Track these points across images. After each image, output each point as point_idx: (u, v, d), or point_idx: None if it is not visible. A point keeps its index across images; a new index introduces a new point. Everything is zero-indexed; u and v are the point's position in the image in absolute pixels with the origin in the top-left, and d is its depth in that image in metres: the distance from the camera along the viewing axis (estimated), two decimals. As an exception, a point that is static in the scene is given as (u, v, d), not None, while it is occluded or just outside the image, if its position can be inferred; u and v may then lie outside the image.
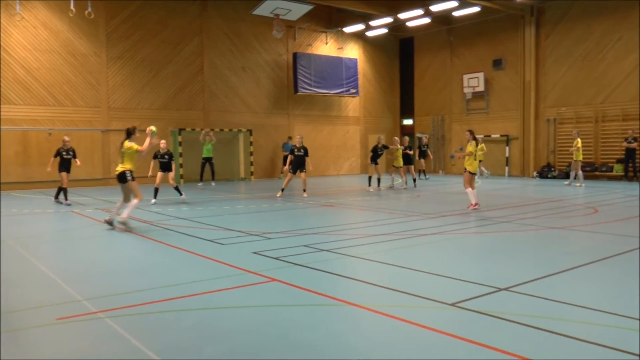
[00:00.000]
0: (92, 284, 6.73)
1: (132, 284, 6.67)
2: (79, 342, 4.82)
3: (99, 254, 8.97)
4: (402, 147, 21.25)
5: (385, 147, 20.96)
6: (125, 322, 5.22)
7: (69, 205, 15.59)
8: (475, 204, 13.65)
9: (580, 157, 20.63)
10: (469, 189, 13.79)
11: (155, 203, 15.85)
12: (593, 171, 23.83)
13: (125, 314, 5.48)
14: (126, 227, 10.75)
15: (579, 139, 20.65)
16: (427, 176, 26.22)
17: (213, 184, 23.25)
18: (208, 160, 23.09)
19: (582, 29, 24.36)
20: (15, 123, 20.84)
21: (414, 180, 21.65)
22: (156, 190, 16.25)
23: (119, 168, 11.08)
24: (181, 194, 16.41)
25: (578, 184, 20.54)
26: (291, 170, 17.40)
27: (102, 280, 6.97)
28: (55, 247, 9.50)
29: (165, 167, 16.38)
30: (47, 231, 11.07)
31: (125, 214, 10.84)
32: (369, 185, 20.60)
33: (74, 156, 16.30)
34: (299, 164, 17.48)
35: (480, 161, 23.67)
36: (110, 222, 10.94)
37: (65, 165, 16.11)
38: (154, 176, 16.36)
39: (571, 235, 9.91)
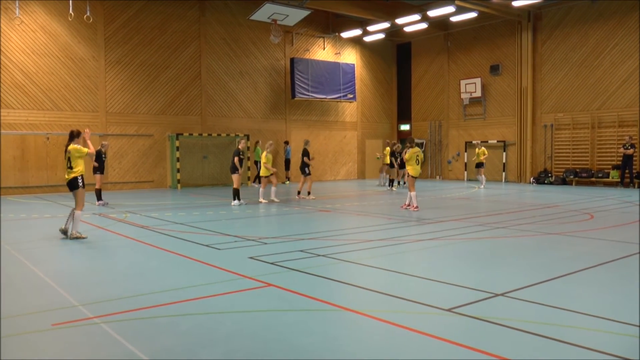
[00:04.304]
0: (88, 289, 6.73)
1: (128, 289, 6.67)
2: (74, 348, 4.82)
3: (95, 259, 8.97)
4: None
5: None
6: (121, 327, 5.23)
7: (104, 205, 16.49)
8: (410, 205, 14.81)
9: None
10: (413, 192, 14.83)
11: (241, 204, 16.69)
12: (589, 177, 23.89)
13: (121, 319, 5.48)
14: (79, 237, 10.49)
15: None
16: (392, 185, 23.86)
17: (256, 185, 24.94)
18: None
19: (579, 35, 24.47)
20: (13, 127, 20.83)
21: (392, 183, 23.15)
22: (238, 192, 16.84)
23: (68, 174, 10.60)
24: (238, 199, 16.88)
25: None
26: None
27: (98, 285, 6.97)
28: (52, 252, 9.49)
29: (241, 166, 16.82)
30: (43, 236, 11.05)
31: (74, 229, 10.45)
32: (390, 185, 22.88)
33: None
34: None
35: (481, 166, 23.66)
36: (65, 232, 10.65)
37: (101, 168, 16.98)
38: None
39: (567, 241, 9.93)
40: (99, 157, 16.52)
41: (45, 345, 4.88)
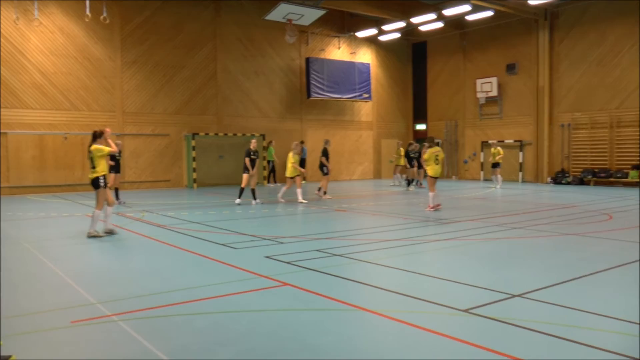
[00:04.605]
0: (106, 287, 6.79)
1: (145, 287, 6.71)
2: (93, 345, 4.86)
3: (112, 257, 9.04)
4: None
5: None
6: (138, 324, 5.26)
7: (120, 204, 16.74)
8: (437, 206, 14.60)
9: None
10: (432, 193, 14.68)
11: (240, 203, 16.55)
12: (608, 177, 23.64)
13: (138, 317, 5.52)
14: (100, 233, 10.66)
15: None
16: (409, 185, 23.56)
17: (271, 184, 25.49)
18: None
19: (597, 34, 24.20)
20: (32, 127, 21.08)
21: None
22: (242, 191, 16.85)
23: (92, 174, 10.78)
24: (255, 198, 16.95)
25: None
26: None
27: (115, 283, 7.02)
28: (70, 250, 9.58)
29: (253, 166, 16.79)
30: (62, 234, 11.16)
31: (91, 228, 10.63)
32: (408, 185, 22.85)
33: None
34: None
35: (497, 166, 23.57)
36: (110, 232, 10.85)
37: (116, 167, 17.10)
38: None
39: (585, 242, 9.83)
40: (113, 156, 16.64)
41: (64, 342, 4.92)
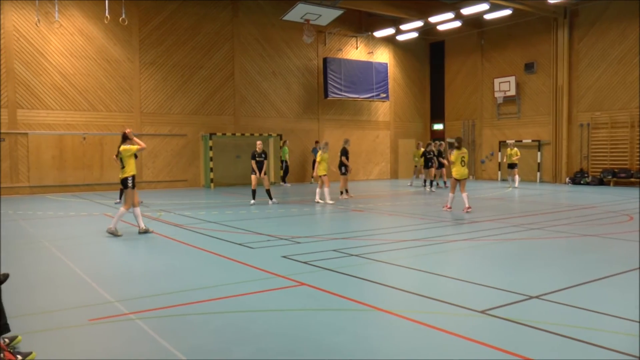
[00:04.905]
0: (123, 286, 6.85)
1: (161, 286, 6.76)
2: (110, 343, 4.91)
3: (130, 256, 9.12)
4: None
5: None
6: (155, 323, 5.30)
7: (117, 203, 16.89)
8: (469, 208, 14.23)
9: None
10: (452, 194, 14.57)
11: (254, 204, 16.49)
12: (628, 177, 23.33)
13: (155, 315, 5.56)
14: (117, 232, 10.76)
15: None
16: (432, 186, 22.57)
17: (286, 184, 25.71)
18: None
19: (617, 32, 23.89)
20: (52, 128, 21.34)
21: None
22: (254, 192, 16.90)
23: (121, 174, 11.03)
24: (271, 198, 16.92)
25: None
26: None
27: (132, 282, 7.09)
28: (88, 249, 9.68)
29: (260, 168, 16.75)
30: (80, 234, 11.28)
31: (112, 224, 10.79)
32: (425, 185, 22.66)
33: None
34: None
35: (514, 167, 23.45)
36: (145, 231, 11.01)
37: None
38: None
39: (605, 243, 9.72)
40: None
41: (83, 339, 4.98)
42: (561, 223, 12.17)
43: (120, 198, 17.26)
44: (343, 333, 5.00)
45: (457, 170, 14.38)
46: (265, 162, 16.85)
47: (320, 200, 17.15)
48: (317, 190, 17.47)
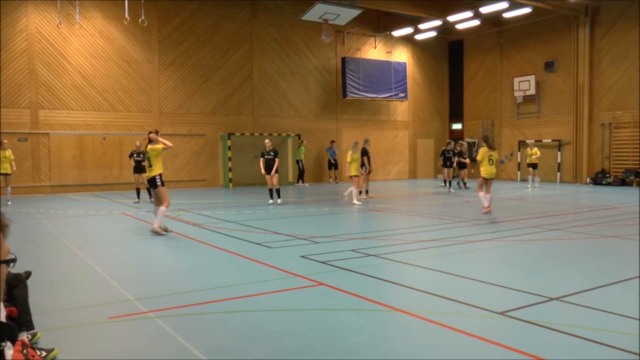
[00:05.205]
0: (143, 285, 6.90)
1: (181, 285, 6.80)
2: (130, 341, 4.95)
3: (149, 255, 9.19)
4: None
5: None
6: (174, 322, 5.34)
7: (137, 203, 17.07)
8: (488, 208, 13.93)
9: None
10: (481, 193, 14.07)
11: (272, 204, 16.58)
12: (651, 177, 23.00)
13: (174, 314, 5.59)
14: (161, 231, 10.85)
15: None
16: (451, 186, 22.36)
17: (303, 184, 25.88)
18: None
19: (640, 30, 23.55)
20: (72, 128, 21.60)
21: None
22: (270, 191, 16.98)
23: (149, 173, 11.25)
24: (278, 197, 16.84)
25: None
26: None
27: (152, 280, 7.13)
28: (108, 248, 9.78)
29: (269, 167, 16.69)
30: (100, 232, 11.40)
31: (156, 223, 10.87)
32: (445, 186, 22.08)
33: (144, 159, 17.38)
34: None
35: (534, 166, 23.27)
36: (158, 231, 11.03)
37: (137, 167, 17.69)
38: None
39: (627, 245, 9.57)
40: (131, 157, 17.57)
41: (103, 337, 5.03)
42: (582, 224, 12.03)
43: (138, 197, 17.46)
44: (362, 333, 4.99)
45: (485, 169, 13.98)
46: (277, 159, 16.72)
47: (356, 202, 16.67)
48: (353, 190, 17.16)
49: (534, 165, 23.27)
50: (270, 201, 16.78)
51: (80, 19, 21.06)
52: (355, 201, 16.76)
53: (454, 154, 22.27)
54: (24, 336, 4.50)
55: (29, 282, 4.61)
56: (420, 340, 4.89)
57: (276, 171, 16.72)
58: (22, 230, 11.33)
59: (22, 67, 20.62)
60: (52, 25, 20.99)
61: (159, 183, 11.08)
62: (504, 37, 29.30)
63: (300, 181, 26.15)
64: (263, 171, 16.79)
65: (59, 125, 21.32)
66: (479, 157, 14.16)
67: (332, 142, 27.49)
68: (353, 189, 17.12)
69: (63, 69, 21.41)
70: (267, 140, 17.14)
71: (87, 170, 21.93)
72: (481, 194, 14.06)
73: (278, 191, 16.94)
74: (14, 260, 1.73)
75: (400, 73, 29.91)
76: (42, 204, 17.19)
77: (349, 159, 17.15)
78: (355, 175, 17.08)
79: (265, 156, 16.75)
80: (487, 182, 14.06)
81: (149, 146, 11.16)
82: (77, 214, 14.55)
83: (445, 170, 22.25)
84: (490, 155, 13.99)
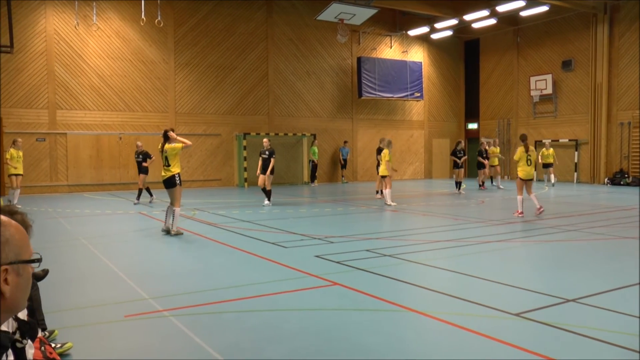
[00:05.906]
0: (158, 283, 6.94)
1: (195, 284, 6.83)
2: (145, 339, 4.98)
3: (164, 254, 9.23)
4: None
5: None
6: (189, 320, 5.36)
7: (136, 204, 16.71)
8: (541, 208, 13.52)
9: None
10: (520, 197, 13.57)
11: (268, 204, 16.27)
12: (670, 177, 22.70)
13: (189, 313, 5.62)
14: (179, 231, 10.88)
15: None
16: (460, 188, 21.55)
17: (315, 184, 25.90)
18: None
19: (660, 29, 23.25)
20: (89, 128, 21.80)
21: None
22: (264, 191, 16.59)
23: (166, 172, 11.01)
24: (268, 199, 16.49)
25: None
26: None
27: (167, 279, 7.17)
28: (124, 246, 9.85)
29: (265, 166, 16.47)
30: (116, 231, 11.49)
31: (173, 227, 10.81)
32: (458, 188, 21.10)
33: (144, 159, 17.30)
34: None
35: (549, 166, 23.10)
36: (168, 231, 11.02)
37: (138, 168, 17.64)
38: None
39: (645, 245, 9.46)
40: (143, 159, 17.44)
41: (118, 335, 5.06)
42: (599, 225, 11.90)
43: (138, 199, 17.16)
44: (377, 333, 4.97)
45: (523, 169, 13.61)
46: (272, 159, 16.38)
47: (391, 203, 16.22)
48: (385, 192, 16.64)
49: (548, 165, 23.08)
50: (266, 202, 16.40)
51: (98, 20, 21.26)
52: (389, 202, 16.25)
53: (464, 154, 21.84)
54: (40, 335, 4.56)
55: (46, 280, 4.64)
56: (436, 340, 4.87)
57: (271, 172, 16.40)
58: (39, 229, 11.42)
59: (41, 68, 20.86)
60: (70, 27, 21.21)
61: (177, 182, 10.97)
62: (520, 36, 29.08)
63: (316, 181, 26.13)
64: (258, 171, 16.57)
65: (76, 126, 21.53)
66: (516, 157, 13.76)
67: (345, 142, 27.49)
68: (386, 190, 16.55)
69: (80, 69, 21.61)
70: (265, 140, 16.82)
71: (104, 169, 22.13)
72: (520, 198, 13.51)
73: (269, 192, 16.52)
74: (39, 260, 1.75)
75: (416, 72, 29.80)
76: (60, 203, 17.36)
77: (387, 158, 16.52)
78: (387, 176, 16.58)
79: (262, 155, 16.51)
80: (526, 183, 13.66)
81: (167, 145, 10.99)
82: (94, 213, 14.68)
83: (457, 171, 21.72)
84: (529, 155, 13.61)
